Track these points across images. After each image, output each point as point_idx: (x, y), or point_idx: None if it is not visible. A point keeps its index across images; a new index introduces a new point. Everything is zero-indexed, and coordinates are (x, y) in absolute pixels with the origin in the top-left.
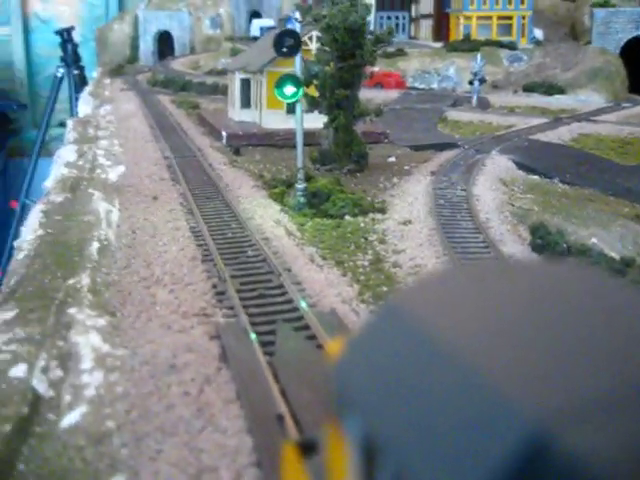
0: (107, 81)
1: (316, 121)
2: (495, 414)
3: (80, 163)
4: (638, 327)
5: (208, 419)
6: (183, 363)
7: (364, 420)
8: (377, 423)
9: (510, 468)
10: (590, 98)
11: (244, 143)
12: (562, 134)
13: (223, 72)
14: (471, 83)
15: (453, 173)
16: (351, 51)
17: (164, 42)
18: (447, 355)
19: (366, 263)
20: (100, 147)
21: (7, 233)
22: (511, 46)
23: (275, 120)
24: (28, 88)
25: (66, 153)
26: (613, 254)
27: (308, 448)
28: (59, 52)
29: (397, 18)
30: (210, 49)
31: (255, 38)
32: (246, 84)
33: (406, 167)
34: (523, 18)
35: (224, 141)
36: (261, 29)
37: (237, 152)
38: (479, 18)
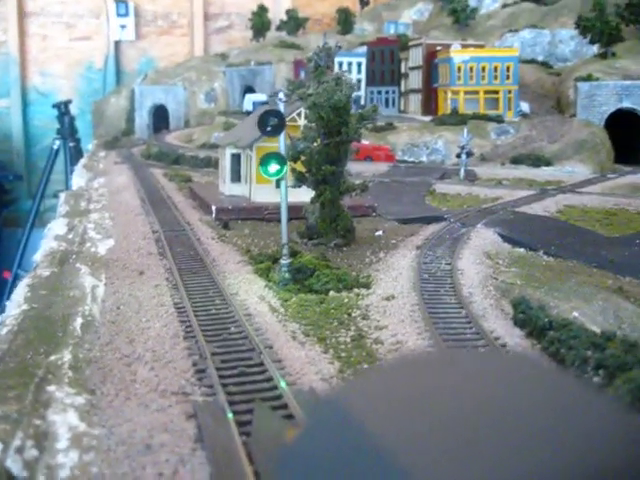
0: (102, 154)
1: (306, 195)
2: None
3: (70, 236)
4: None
5: None
6: (159, 443)
7: None
8: None
9: None
10: (576, 169)
11: (233, 217)
12: (548, 206)
13: (216, 146)
14: (459, 156)
15: (438, 247)
16: (337, 128)
17: (159, 115)
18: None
19: (348, 340)
20: (91, 220)
21: (0, 304)
22: (498, 119)
23: (265, 194)
24: (25, 159)
25: (56, 226)
26: (594, 328)
27: None
28: (56, 124)
29: (387, 93)
30: (204, 123)
31: (248, 112)
32: (236, 159)
33: (393, 241)
34: (509, 92)
35: (213, 215)
36: (254, 104)
37: (226, 226)
38: (466, 92)
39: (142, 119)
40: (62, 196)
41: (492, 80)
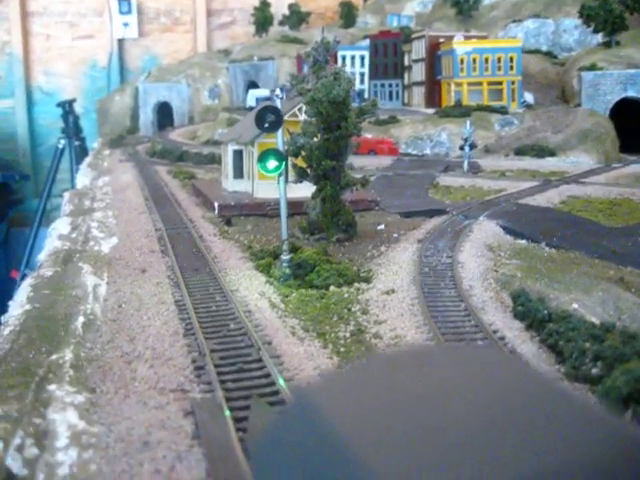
0: (107, 152)
1: (308, 190)
2: None
3: (73, 236)
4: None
5: None
6: (156, 440)
7: None
8: None
9: None
10: (581, 159)
11: (236, 213)
12: (551, 197)
13: (220, 142)
14: (462, 148)
15: (440, 240)
16: (336, 123)
17: (164, 113)
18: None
19: (347, 334)
20: (94, 219)
21: (7, 303)
22: (502, 110)
23: (267, 190)
24: (31, 159)
25: (60, 225)
26: (594, 319)
27: None
28: (61, 123)
29: (390, 86)
30: (208, 119)
31: (251, 108)
32: (239, 155)
33: (395, 235)
34: (513, 83)
35: (216, 212)
36: (257, 99)
37: (229, 223)
38: (470, 84)
39: (146, 116)
40: (66, 195)
41: (495, 71)
